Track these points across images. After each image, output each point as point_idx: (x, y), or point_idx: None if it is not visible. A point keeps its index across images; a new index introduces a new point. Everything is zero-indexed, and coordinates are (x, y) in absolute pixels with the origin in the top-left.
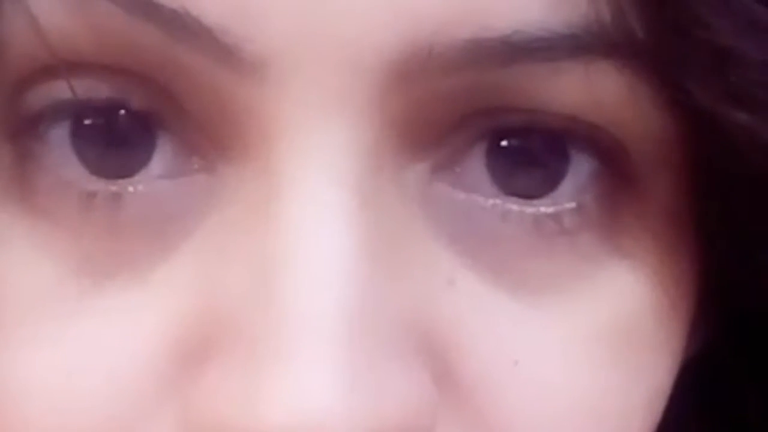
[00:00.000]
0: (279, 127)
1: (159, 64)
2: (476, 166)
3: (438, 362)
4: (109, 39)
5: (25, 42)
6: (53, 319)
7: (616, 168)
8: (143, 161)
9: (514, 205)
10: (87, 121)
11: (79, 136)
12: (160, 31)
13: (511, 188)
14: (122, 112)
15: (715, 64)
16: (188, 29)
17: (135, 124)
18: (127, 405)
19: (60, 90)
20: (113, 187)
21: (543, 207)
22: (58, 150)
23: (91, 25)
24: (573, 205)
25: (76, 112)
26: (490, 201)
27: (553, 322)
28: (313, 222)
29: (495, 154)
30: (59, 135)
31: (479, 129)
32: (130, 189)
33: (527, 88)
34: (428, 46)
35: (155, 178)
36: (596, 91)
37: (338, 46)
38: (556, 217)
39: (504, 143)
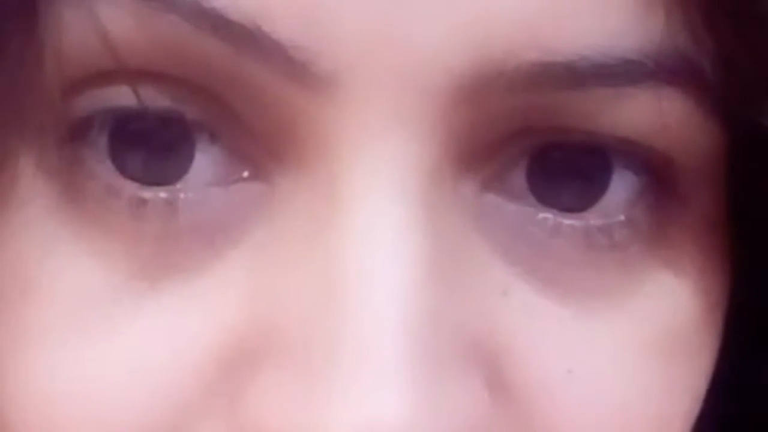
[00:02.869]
0: (343, 139)
1: (221, 76)
2: (522, 178)
3: (492, 372)
4: (172, 50)
5: (82, 47)
6: (101, 324)
7: (665, 182)
8: (184, 168)
9: (564, 219)
10: (131, 127)
11: (123, 142)
12: (228, 45)
13: (554, 201)
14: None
15: None
16: (258, 44)
17: (177, 130)
18: (172, 410)
19: (111, 96)
20: (164, 194)
21: (593, 220)
22: (105, 156)
23: (154, 35)
24: (622, 218)
25: (121, 118)
26: (541, 214)
27: (604, 331)
28: (379, 235)
29: (538, 166)
30: (106, 141)
31: (531, 145)
32: (182, 196)
33: (588, 110)
34: (496, 68)
35: (206, 186)
36: (656, 117)
37: (408, 65)
38: (605, 230)
39: (547, 156)
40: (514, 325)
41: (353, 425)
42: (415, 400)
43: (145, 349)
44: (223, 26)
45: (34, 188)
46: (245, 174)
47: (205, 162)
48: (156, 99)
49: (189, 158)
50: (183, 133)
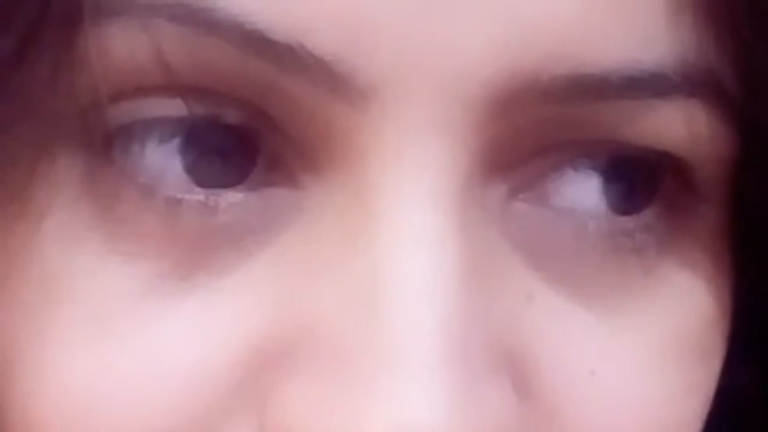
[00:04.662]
0: (378, 147)
1: (261, 91)
2: (549, 185)
3: (518, 375)
4: (215, 69)
5: (129, 61)
6: (128, 325)
7: (684, 188)
8: (243, 175)
9: (585, 221)
10: (185, 136)
11: (181, 149)
12: (271, 64)
13: (579, 206)
14: (221, 128)
15: None
16: (299, 61)
17: (236, 138)
18: (199, 412)
19: (152, 106)
20: (200, 196)
21: (613, 224)
22: (148, 159)
23: (198, 56)
24: (641, 223)
25: (164, 127)
26: (563, 216)
27: (626, 333)
28: (414, 239)
29: (565, 173)
30: (147, 146)
31: (565, 155)
32: (216, 198)
33: (614, 122)
34: (530, 80)
35: (238, 188)
36: (680, 128)
37: (445, 77)
38: (626, 234)
39: (573, 164)
40: (539, 329)
41: (388, 427)
42: (451, 403)
43: (172, 350)
44: (265, 46)
45: (67, 191)
46: (277, 178)
47: (238, 165)
48: (196, 111)
49: (251, 165)
50: (242, 140)
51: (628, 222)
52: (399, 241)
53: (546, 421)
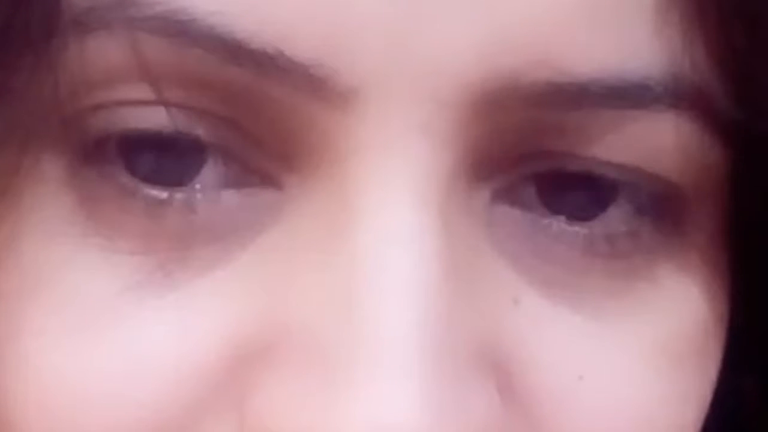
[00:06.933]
0: (360, 149)
1: (240, 97)
2: (532, 188)
3: (503, 378)
4: (195, 79)
5: (110, 72)
6: (109, 322)
7: (669, 198)
8: (224, 176)
9: (568, 226)
10: (146, 137)
11: (137, 148)
12: (251, 71)
13: (561, 210)
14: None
15: None
16: (279, 67)
17: (218, 139)
18: (180, 408)
19: (128, 114)
20: (179, 194)
21: (596, 229)
22: (121, 161)
23: (178, 66)
24: (625, 229)
25: (138, 132)
26: (546, 220)
27: (615, 338)
28: (396, 239)
29: (547, 177)
30: (121, 149)
31: (541, 163)
32: (197, 196)
33: (596, 131)
34: (510, 84)
35: (219, 187)
36: (662, 139)
37: (425, 79)
38: (609, 239)
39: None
40: (525, 333)
41: (365, 426)
42: (429, 403)
43: (151, 347)
44: (245, 55)
45: (50, 188)
46: (258, 179)
47: (216, 165)
48: (178, 117)
49: (200, 162)
50: (195, 143)
51: (613, 227)
52: (378, 240)
53: (533, 425)
